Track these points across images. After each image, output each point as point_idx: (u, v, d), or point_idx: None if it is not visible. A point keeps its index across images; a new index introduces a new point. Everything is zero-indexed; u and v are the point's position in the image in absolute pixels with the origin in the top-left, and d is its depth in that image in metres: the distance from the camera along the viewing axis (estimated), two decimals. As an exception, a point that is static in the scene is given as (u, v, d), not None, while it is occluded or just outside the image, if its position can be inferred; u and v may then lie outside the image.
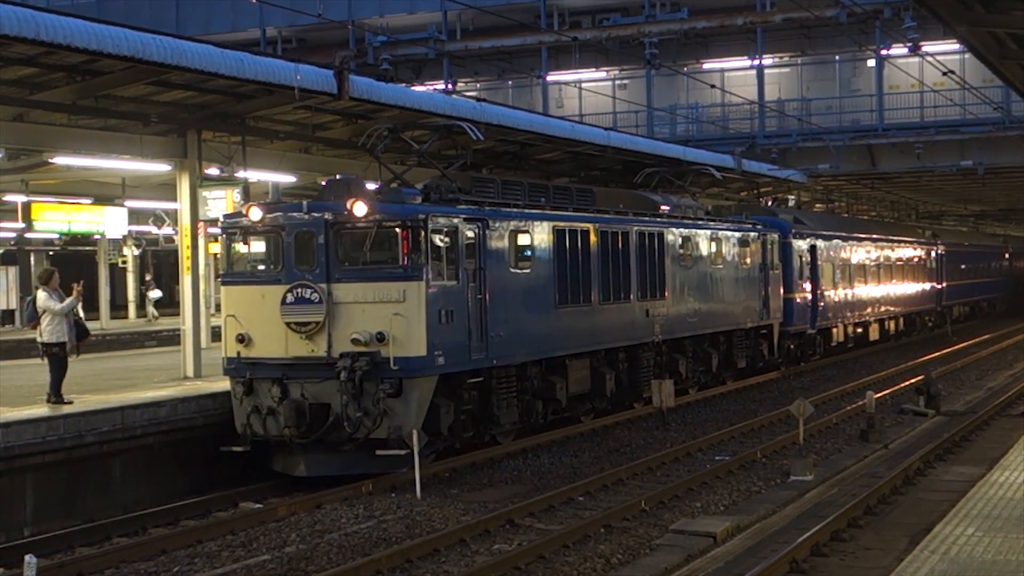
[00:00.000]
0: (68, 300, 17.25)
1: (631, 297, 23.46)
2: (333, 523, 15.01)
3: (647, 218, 24.79)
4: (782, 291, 32.14)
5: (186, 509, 16.00)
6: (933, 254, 49.96)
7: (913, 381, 28.61)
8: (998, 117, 36.61)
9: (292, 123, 23.19)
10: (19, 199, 28.90)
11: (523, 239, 19.89)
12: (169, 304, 46.82)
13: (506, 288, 19.14)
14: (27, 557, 10.14)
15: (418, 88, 33.22)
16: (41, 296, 17.24)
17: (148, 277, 46.73)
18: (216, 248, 25.79)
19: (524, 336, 19.61)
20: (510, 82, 46.75)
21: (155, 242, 45.23)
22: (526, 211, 20.17)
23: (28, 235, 38.42)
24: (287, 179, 24.97)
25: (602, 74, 46.29)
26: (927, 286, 48.63)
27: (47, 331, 17.12)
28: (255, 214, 17.56)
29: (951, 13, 13.70)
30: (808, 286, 34.57)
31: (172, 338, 32.03)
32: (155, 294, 46.06)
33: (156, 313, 45.37)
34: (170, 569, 13.07)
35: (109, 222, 32.54)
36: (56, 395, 17.04)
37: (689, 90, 43.77)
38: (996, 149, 38.74)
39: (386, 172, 20.47)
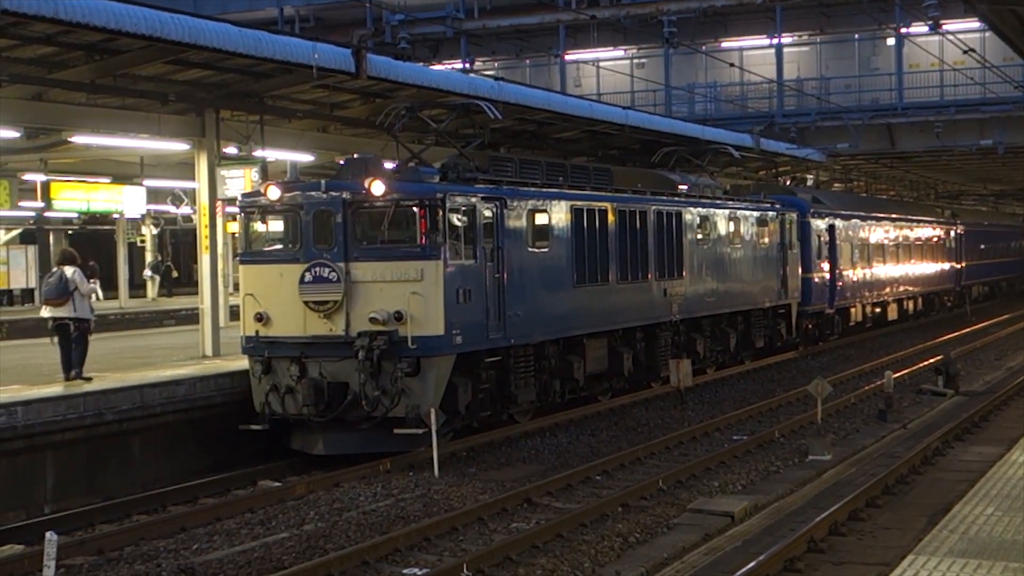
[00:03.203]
0: (91, 284, 17.48)
1: (649, 276, 23.44)
2: (351, 501, 15.06)
3: (665, 197, 24.73)
4: (800, 271, 32.07)
5: (205, 487, 16.10)
6: (952, 234, 49.74)
7: (932, 361, 28.55)
8: (1019, 96, 36.32)
9: (310, 102, 23.19)
10: (38, 178, 29.02)
11: (541, 218, 19.86)
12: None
13: (524, 267, 19.13)
14: (48, 534, 10.20)
15: (436, 67, 33.11)
16: (77, 274, 17.42)
17: (148, 258, 46.15)
18: (234, 227, 25.90)
19: (542, 315, 19.60)
20: (528, 61, 46.60)
21: (173, 221, 45.29)
22: (544, 190, 20.14)
23: (47, 214, 38.54)
24: (305, 158, 24.99)
25: (620, 53, 46.09)
26: (946, 266, 48.42)
27: (78, 307, 17.36)
28: (273, 193, 17.59)
29: (972, -10, 13.61)
30: (826, 266, 34.46)
31: (191, 317, 32.12)
32: (146, 273, 45.61)
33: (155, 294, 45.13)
34: (189, 546, 13.13)
35: (127, 201, 32.70)
36: (79, 370, 17.22)
37: (707, 69, 43.52)
38: (1017, 128, 38.43)
39: (404, 151, 20.47)
